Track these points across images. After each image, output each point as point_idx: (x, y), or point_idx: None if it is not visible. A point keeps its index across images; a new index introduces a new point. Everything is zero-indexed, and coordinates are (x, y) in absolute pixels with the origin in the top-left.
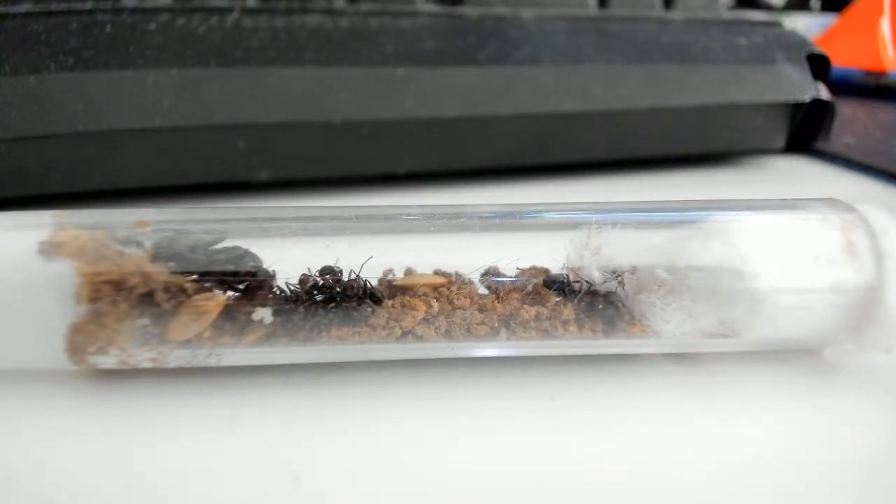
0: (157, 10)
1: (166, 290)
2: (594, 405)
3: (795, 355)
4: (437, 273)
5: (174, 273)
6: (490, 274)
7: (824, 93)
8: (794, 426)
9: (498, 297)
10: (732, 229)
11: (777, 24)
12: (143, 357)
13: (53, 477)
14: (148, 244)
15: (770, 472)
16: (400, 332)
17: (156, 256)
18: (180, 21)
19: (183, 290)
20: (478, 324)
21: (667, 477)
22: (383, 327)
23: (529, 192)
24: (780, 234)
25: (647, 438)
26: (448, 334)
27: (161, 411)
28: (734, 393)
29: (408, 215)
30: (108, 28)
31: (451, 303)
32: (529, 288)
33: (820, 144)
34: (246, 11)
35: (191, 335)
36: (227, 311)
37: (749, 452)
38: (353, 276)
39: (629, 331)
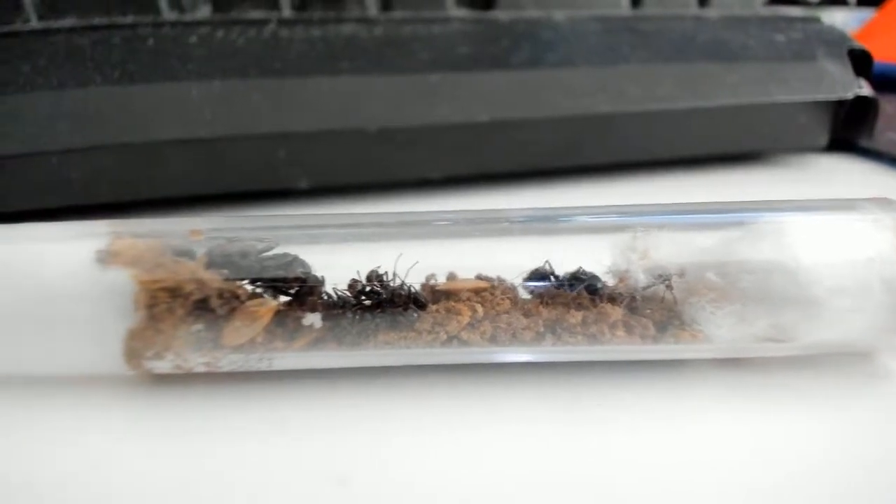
0: (196, 23)
1: (220, 296)
2: (642, 411)
3: (849, 359)
4: (479, 277)
5: (227, 280)
6: (534, 277)
7: (867, 89)
8: (850, 432)
9: (543, 302)
10: (783, 230)
11: (816, 20)
12: (197, 361)
13: (109, 478)
14: (201, 252)
15: (825, 480)
16: (445, 336)
17: (210, 264)
18: (220, 33)
19: (236, 297)
20: (523, 328)
21: (721, 485)
22: (429, 332)
23: (566, 195)
24: (832, 235)
25: (698, 446)
26: (493, 339)
27: (214, 415)
28: (787, 398)
29: (450, 220)
30: (151, 41)
31: (495, 307)
32: (575, 293)
33: (863, 142)
34: (282, 22)
35: (244, 340)
36: (278, 317)
37: (803, 459)
38: (399, 282)
39: (679, 336)
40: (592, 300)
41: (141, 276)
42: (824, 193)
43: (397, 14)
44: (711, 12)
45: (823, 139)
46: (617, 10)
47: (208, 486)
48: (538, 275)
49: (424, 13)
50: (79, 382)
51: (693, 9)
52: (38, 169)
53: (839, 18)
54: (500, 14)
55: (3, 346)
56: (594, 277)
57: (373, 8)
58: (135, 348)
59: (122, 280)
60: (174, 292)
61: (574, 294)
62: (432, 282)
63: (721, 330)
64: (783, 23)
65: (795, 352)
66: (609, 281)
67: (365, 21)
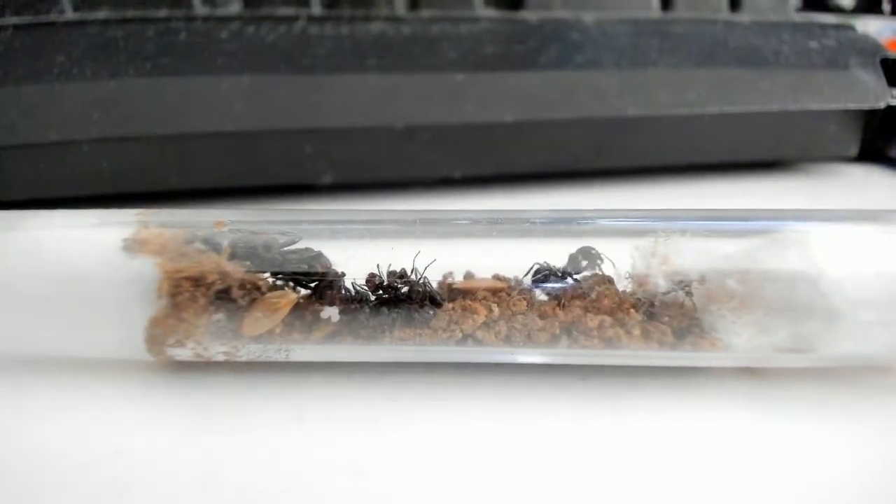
0: (228, 19)
1: (242, 287)
2: (657, 418)
3: (870, 373)
4: (495, 277)
5: (249, 271)
6: (541, 274)
7: None
8: (868, 447)
9: (559, 304)
10: (809, 240)
11: (849, 28)
12: (217, 350)
13: (129, 464)
14: (225, 243)
15: (840, 494)
16: (460, 335)
17: (233, 255)
18: (250, 29)
19: (257, 288)
20: (538, 330)
21: (733, 496)
22: (444, 330)
23: (590, 198)
24: (858, 246)
25: (712, 455)
26: (508, 339)
27: (232, 403)
28: (806, 410)
29: (470, 220)
30: (183, 35)
31: (511, 308)
32: (593, 296)
33: (894, 153)
34: (312, 20)
35: (263, 330)
36: (298, 309)
37: (819, 473)
38: (417, 278)
39: (698, 343)
40: (609, 305)
41: (165, 264)
42: (852, 204)
43: (425, 13)
44: (743, 17)
45: (854, 149)
46: (647, 13)
47: (223, 474)
48: (542, 273)
49: (452, 12)
50: (100, 367)
51: (724, 13)
52: (70, 157)
53: (873, 27)
54: (529, 14)
55: (30, 328)
56: (610, 281)
57: (401, 7)
58: (157, 335)
59: (148, 268)
60: (197, 282)
61: (592, 297)
62: (449, 280)
63: (740, 339)
64: (816, 30)
65: (816, 364)
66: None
67: (393, 19)
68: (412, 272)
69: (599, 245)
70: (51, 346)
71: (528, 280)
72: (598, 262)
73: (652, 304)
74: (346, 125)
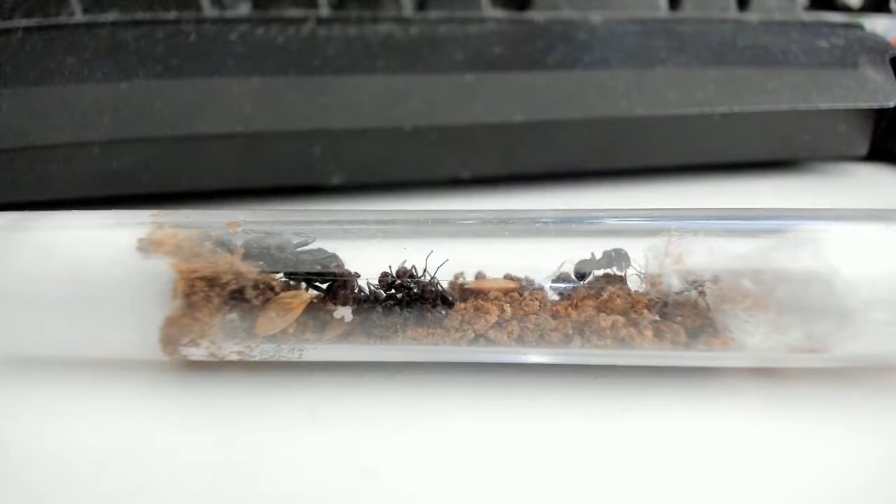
0: (237, 21)
1: (255, 287)
2: (670, 417)
3: (886, 373)
4: (507, 277)
5: (263, 272)
6: (562, 278)
7: None
8: (884, 447)
9: (572, 304)
10: (822, 239)
11: (858, 26)
12: (231, 350)
13: (143, 463)
14: (239, 243)
15: (851, 493)
16: (473, 335)
17: (247, 255)
18: (259, 31)
19: (271, 288)
20: (551, 330)
21: (744, 496)
22: (456, 330)
23: (599, 198)
24: (870, 245)
25: (724, 455)
26: (521, 340)
27: (245, 402)
28: (819, 410)
29: (481, 220)
30: (193, 37)
31: (523, 308)
32: (606, 296)
33: None
34: (320, 21)
35: (277, 330)
36: (311, 309)
37: (833, 474)
38: (429, 279)
39: (711, 343)
40: (621, 304)
41: (180, 265)
42: (863, 203)
43: (433, 14)
44: (751, 16)
45: (863, 148)
46: (654, 13)
47: (236, 472)
48: (566, 276)
49: (460, 13)
50: (115, 366)
51: (732, 12)
52: (82, 159)
53: (881, 25)
54: (536, 15)
55: (44, 328)
56: (623, 280)
57: (408, 8)
58: (171, 335)
59: (162, 268)
60: (211, 282)
61: (604, 297)
62: (461, 280)
63: (754, 338)
64: (825, 29)
65: (829, 364)
66: (641, 285)
67: (401, 20)
68: (423, 272)
69: (609, 245)
70: (65, 346)
71: (558, 278)
72: (625, 264)
73: (665, 304)
74: (355, 126)
